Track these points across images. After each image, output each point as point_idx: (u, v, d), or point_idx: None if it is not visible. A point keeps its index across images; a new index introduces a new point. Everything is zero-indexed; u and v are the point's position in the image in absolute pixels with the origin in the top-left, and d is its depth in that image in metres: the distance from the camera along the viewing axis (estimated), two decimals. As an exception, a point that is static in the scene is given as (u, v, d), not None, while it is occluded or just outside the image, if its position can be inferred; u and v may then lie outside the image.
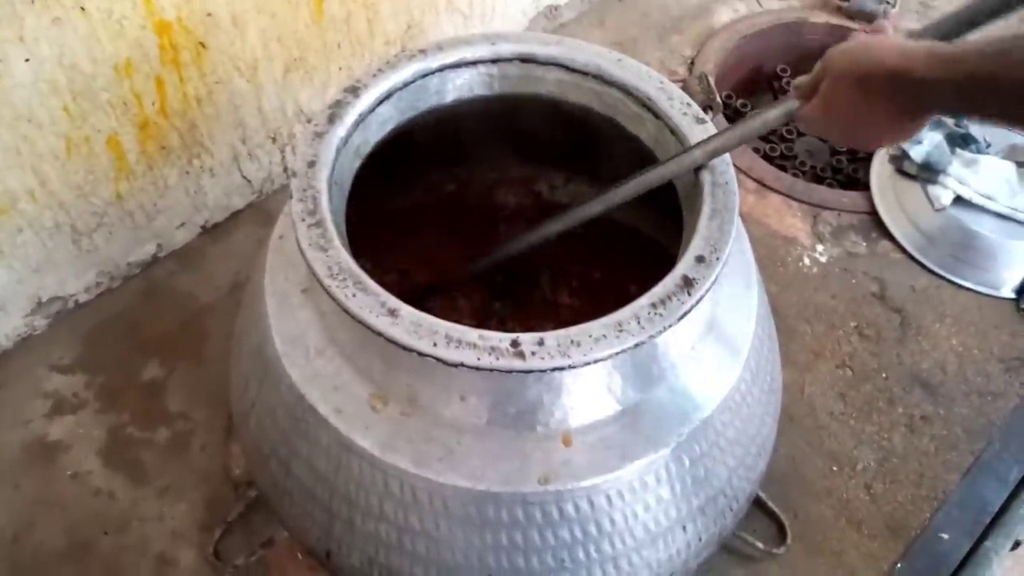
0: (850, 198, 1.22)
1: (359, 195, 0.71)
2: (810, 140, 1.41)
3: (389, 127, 0.74)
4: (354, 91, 0.70)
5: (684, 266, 0.61)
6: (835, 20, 1.46)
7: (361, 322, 0.58)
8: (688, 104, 0.71)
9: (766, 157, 1.34)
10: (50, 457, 0.92)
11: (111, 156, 0.92)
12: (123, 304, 1.05)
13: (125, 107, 0.90)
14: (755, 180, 1.22)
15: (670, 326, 0.58)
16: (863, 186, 1.27)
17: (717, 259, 0.61)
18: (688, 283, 0.60)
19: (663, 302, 0.59)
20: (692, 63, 1.38)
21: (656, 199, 0.71)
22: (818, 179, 1.35)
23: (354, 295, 0.59)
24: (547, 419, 0.62)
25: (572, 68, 0.75)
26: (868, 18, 1.43)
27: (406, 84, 0.73)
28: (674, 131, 0.70)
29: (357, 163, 0.72)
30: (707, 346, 0.68)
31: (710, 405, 0.66)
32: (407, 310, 0.58)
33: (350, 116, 0.69)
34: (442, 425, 0.63)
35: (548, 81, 0.77)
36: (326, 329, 0.67)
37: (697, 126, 0.69)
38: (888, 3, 1.41)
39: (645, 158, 0.74)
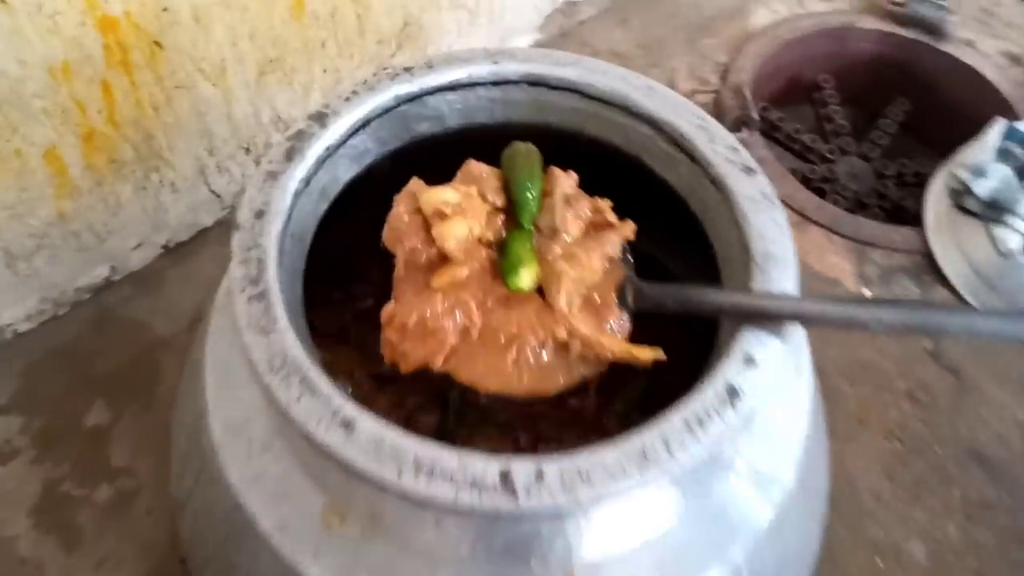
0: (901, 235, 1.07)
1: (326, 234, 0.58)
2: (853, 162, 1.26)
3: (366, 161, 0.61)
4: (320, 119, 0.57)
5: (728, 369, 0.47)
6: (886, 27, 1.31)
7: (305, 435, 0.45)
8: (734, 149, 0.57)
9: (804, 180, 1.20)
10: (-28, 516, 0.80)
11: (49, 172, 0.79)
12: (70, 334, 0.92)
13: (64, 116, 0.76)
14: (794, 210, 1.07)
15: (710, 454, 0.45)
16: (913, 219, 1.12)
17: (771, 360, 0.48)
18: (733, 394, 0.46)
19: (700, 421, 0.45)
20: (726, 71, 1.23)
21: (685, 238, 0.58)
22: (861, 205, 1.21)
23: (299, 398, 0.45)
24: (545, 553, 0.49)
25: (591, 95, 0.61)
26: (925, 26, 1.28)
27: (387, 110, 0.60)
28: (715, 181, 0.56)
29: (323, 207, 0.58)
30: (748, 456, 0.54)
31: (749, 533, 0.53)
32: (366, 423, 0.45)
33: (314, 150, 0.56)
34: (411, 554, 0.49)
35: (561, 109, 0.63)
36: (274, 418, 0.54)
37: (745, 178, 0.56)
38: (947, 10, 1.26)
39: (676, 207, 0.60)
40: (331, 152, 0.57)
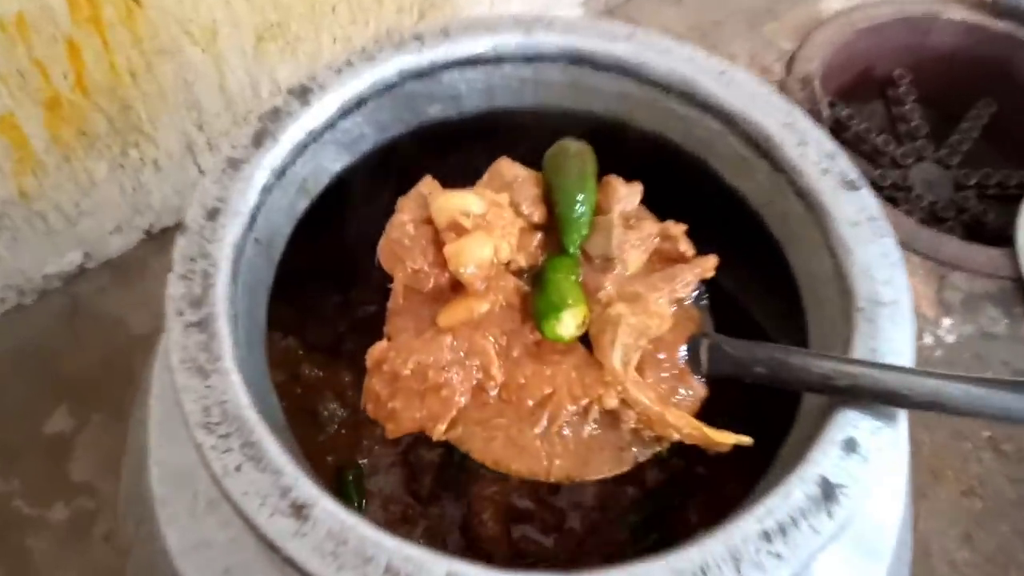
0: (988, 257, 0.93)
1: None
2: (929, 169, 1.12)
3: (361, 150, 0.49)
4: (302, 95, 0.45)
5: (823, 458, 0.35)
6: (975, 18, 1.15)
7: (244, 518, 0.33)
8: (830, 156, 0.44)
9: (874, 187, 1.06)
10: (-92, 535, 0.71)
11: (5, 143, 0.68)
12: (37, 327, 0.82)
13: (22, 79, 0.65)
14: (864, 223, 0.93)
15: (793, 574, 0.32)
16: (996, 237, 0.98)
17: (881, 448, 0.35)
18: (830, 495, 0.34)
19: (783, 530, 0.33)
20: (791, 60, 1.09)
21: (756, 266, 0.46)
22: (936, 218, 1.07)
23: (238, 467, 0.34)
24: None
25: (647, 78, 0.48)
26: (1022, 17, 1.13)
27: (389, 87, 0.47)
28: (804, 195, 0.44)
29: (302, 204, 0.46)
30: (835, 558, 0.42)
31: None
32: (324, 508, 0.33)
33: (291, 133, 0.44)
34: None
35: (608, 94, 0.50)
36: (224, 472, 0.42)
37: (846, 194, 0.43)
38: (1049, 0, 1.10)
39: (748, 226, 0.48)
40: (314, 137, 0.45)
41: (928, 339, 0.86)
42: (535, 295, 0.41)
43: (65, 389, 0.79)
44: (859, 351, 0.37)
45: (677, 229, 0.43)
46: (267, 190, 0.42)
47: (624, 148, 0.52)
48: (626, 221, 0.43)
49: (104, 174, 0.77)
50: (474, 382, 0.39)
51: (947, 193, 1.10)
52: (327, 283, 0.68)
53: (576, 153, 0.45)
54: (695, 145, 0.49)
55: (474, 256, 0.40)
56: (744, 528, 0.33)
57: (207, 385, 0.35)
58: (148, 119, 0.76)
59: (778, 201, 0.45)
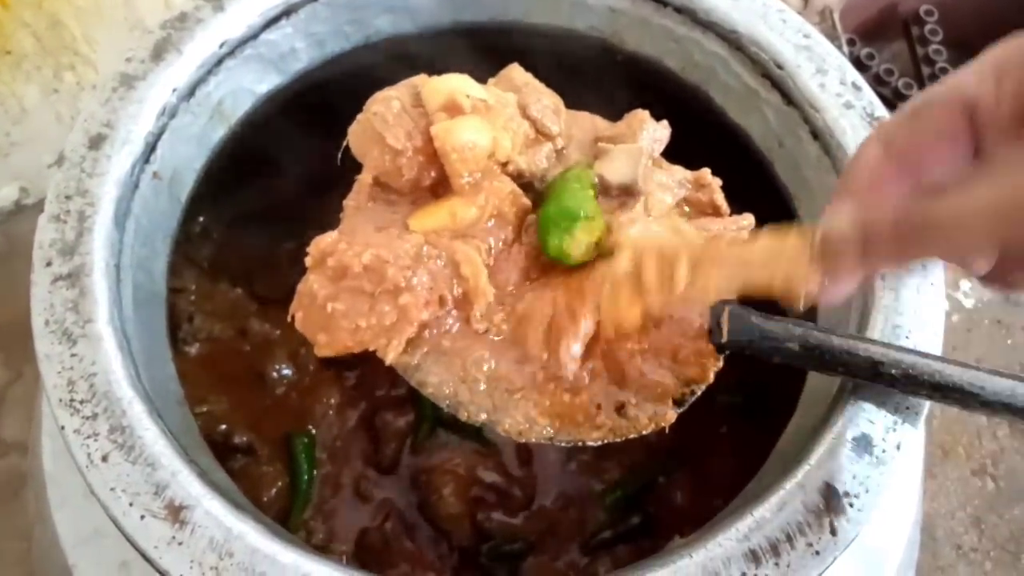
0: (1014, 214, 0.85)
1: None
2: (953, 116, 1.03)
3: (293, 68, 0.41)
4: (216, -3, 0.37)
5: (828, 459, 0.28)
6: (1013, -51, 1.05)
7: (110, 517, 0.27)
8: (857, 87, 0.36)
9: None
10: None
11: (-85, 60, 0.60)
12: (-32, 268, 0.76)
13: (-73, -15, 0.57)
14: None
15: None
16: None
17: (902, 448, 0.28)
18: (832, 505, 0.27)
19: (774, 549, 0.26)
20: (808, -8, 1.00)
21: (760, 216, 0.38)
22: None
23: (105, 456, 0.27)
24: None
25: (641, -10, 0.40)
26: (1065, -50, 1.02)
27: (326, -8, 0.39)
28: (821, 135, 0.36)
29: (219, 132, 0.39)
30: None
31: None
32: (207, 510, 0.26)
33: (200, 46, 0.36)
34: None
35: (593, 8, 0.43)
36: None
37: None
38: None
39: (753, 170, 0.40)
40: (231, 50, 0.37)
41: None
42: (543, 204, 0.34)
43: (-1, 337, 0.72)
44: (879, 327, 0.31)
45: (713, 179, 0.35)
46: (169, 113, 0.35)
47: (610, 76, 0.44)
48: (654, 162, 0.35)
49: (36, 99, 0.69)
50: (450, 296, 0.31)
51: (971, 144, 1.02)
52: (278, 227, 0.60)
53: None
54: (694, 73, 0.41)
55: (467, 138, 0.32)
56: (726, 545, 0.26)
57: (73, 353, 0.29)
58: (82, 38, 0.67)
59: (789, 142, 0.38)
